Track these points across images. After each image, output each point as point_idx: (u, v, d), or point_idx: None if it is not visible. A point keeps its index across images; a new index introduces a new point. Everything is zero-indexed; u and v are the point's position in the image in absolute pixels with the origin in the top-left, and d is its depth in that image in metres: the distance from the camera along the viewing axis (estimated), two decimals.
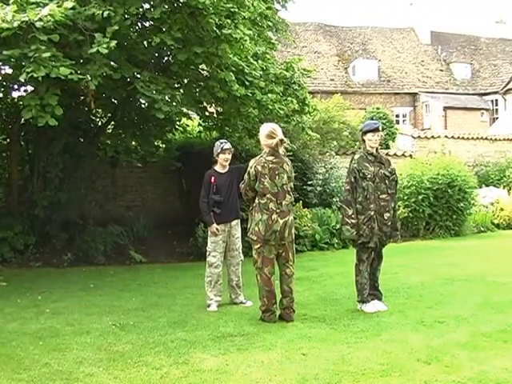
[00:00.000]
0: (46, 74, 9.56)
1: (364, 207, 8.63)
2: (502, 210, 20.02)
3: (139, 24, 12.37)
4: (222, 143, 9.54)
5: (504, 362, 6.22)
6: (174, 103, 12.38)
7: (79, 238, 14.43)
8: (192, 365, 6.41)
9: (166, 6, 11.09)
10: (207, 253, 9.47)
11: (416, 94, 49.76)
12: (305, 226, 15.42)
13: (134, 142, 15.96)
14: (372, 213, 8.61)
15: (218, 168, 9.61)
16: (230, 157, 9.60)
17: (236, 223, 9.68)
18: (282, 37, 17.54)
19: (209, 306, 9.21)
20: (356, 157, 9.04)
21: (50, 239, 14.47)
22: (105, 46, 10.04)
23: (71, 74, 9.79)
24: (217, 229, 9.32)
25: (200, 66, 13.03)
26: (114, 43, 10.06)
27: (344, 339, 7.20)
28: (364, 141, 9.08)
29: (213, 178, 9.47)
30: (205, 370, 6.23)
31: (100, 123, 16.13)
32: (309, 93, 16.14)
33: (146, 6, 11.60)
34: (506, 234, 18.63)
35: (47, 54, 9.61)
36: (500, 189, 21.59)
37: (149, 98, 11.62)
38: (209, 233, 9.51)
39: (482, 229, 19.06)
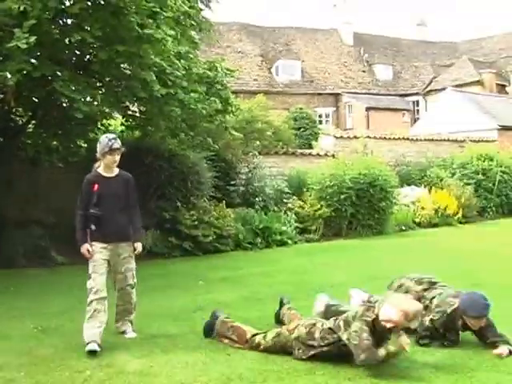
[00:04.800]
0: None
1: None
2: (422, 208, 20.37)
3: (60, 21, 12.19)
4: (110, 140, 7.49)
5: None
6: (96, 103, 12.27)
7: None
8: (116, 367, 6.37)
9: (89, 3, 11.00)
10: (87, 277, 7.33)
11: (339, 94, 50.40)
12: (228, 225, 15.42)
13: (55, 142, 15.71)
14: None
15: (102, 170, 7.62)
16: (118, 158, 7.61)
17: (125, 244, 7.60)
18: (206, 36, 17.52)
19: (87, 343, 6.97)
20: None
21: None
22: (24, 41, 9.83)
23: None
24: (88, 250, 7.29)
25: (122, 66, 12.90)
26: (33, 39, 9.85)
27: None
28: (459, 318, 7.11)
29: (96, 186, 7.46)
30: (129, 372, 6.21)
31: (21, 122, 15.81)
32: (232, 93, 16.16)
33: (67, 2, 11.45)
34: (427, 233, 18.99)
35: None
36: (421, 188, 21.96)
37: (68, 97, 11.47)
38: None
39: (404, 227, 19.35)
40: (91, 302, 7.17)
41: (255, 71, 49.03)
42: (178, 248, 14.77)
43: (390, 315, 6.11)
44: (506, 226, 20.55)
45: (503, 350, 6.72)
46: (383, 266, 12.74)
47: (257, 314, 8.65)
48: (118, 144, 7.52)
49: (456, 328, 7.11)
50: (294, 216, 17.37)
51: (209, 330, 7.40)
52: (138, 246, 7.62)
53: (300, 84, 49.78)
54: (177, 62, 12.90)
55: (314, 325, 6.59)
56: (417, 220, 20.12)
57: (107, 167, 7.57)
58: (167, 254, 14.59)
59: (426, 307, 7.19)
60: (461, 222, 20.81)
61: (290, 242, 16.40)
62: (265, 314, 8.54)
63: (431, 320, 7.07)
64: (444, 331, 7.08)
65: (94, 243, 7.32)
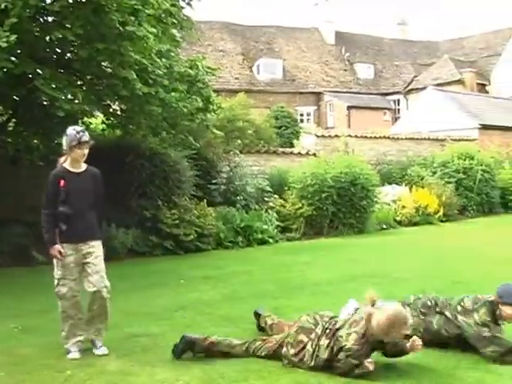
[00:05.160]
0: None
1: None
2: (403, 207, 20.46)
3: (41, 19, 12.15)
4: (78, 133, 6.94)
5: None
6: (77, 101, 12.24)
7: None
8: (96, 367, 6.35)
9: (70, 1, 10.97)
10: (55, 282, 6.88)
11: (320, 93, 50.46)
12: (209, 224, 15.42)
13: (35, 140, 15.64)
14: None
15: (69, 165, 7.04)
16: (87, 152, 7.04)
17: (96, 242, 7.05)
18: (187, 35, 17.48)
19: (68, 352, 6.80)
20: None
21: None
22: (4, 39, 9.82)
23: None
24: (60, 252, 6.74)
25: (103, 64, 12.87)
26: (14, 37, 9.87)
27: (251, 338, 7.21)
28: (497, 309, 6.67)
29: (62, 182, 6.89)
30: (110, 371, 6.18)
31: (1, 120, 15.74)
32: (213, 91, 16.17)
33: (48, 0, 11.42)
34: (408, 231, 19.06)
35: None
36: (402, 187, 22.05)
37: (49, 95, 11.44)
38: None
39: (385, 226, 19.41)
40: (67, 308, 6.87)
41: (236, 70, 49.02)
42: (159, 247, 14.75)
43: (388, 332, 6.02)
44: (486, 225, 20.68)
45: None
46: (365, 265, 12.78)
47: (239, 312, 8.65)
48: (86, 137, 6.96)
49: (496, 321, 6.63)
50: (275, 215, 17.40)
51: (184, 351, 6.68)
52: (103, 250, 7.15)
53: (281, 83, 49.80)
54: (158, 60, 12.91)
55: (304, 347, 6.28)
56: (398, 218, 20.21)
57: (75, 162, 7.00)
58: (148, 253, 14.56)
59: (464, 311, 6.75)
60: (442, 221, 20.93)
61: (271, 240, 16.43)
62: (247, 312, 8.52)
63: (480, 317, 6.56)
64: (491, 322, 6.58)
65: (63, 245, 6.79)
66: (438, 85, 43.06)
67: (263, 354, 6.54)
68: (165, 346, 7.03)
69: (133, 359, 6.58)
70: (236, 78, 48.06)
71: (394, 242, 16.69)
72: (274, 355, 6.48)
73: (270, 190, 18.67)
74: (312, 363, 6.17)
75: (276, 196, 18.47)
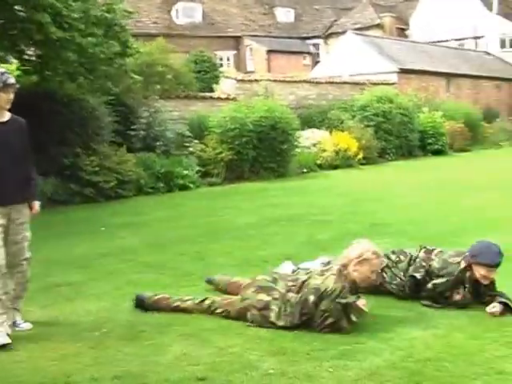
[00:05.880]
0: None
1: None
2: (324, 150, 20.65)
3: None
4: (3, 74, 5.89)
5: None
6: None
7: None
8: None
9: None
10: None
11: (239, 37, 50.16)
12: (129, 171, 15.29)
13: None
14: None
15: None
16: (13, 97, 6.04)
17: (22, 206, 5.99)
18: None
19: None
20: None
21: None
22: None
23: None
24: None
25: (16, 7, 12.51)
26: None
27: (174, 283, 7.27)
28: (470, 267, 6.31)
29: None
30: (33, 322, 6.08)
31: None
32: (131, 36, 15.93)
33: None
34: (328, 174, 19.30)
35: None
36: (322, 130, 22.22)
37: None
38: None
39: (306, 170, 19.58)
40: None
41: (154, 13, 48.24)
42: (79, 195, 14.58)
43: (367, 273, 5.81)
44: (404, 168, 21.13)
45: (496, 308, 6.16)
46: (286, 209, 12.91)
47: (161, 258, 8.66)
48: (12, 79, 5.96)
49: (465, 284, 6.32)
50: (195, 160, 17.36)
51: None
52: (36, 204, 6.15)
53: (200, 27, 49.28)
54: (73, 3, 12.62)
55: (267, 307, 5.86)
56: (318, 162, 20.41)
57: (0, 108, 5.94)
58: (68, 201, 14.37)
59: (426, 272, 6.51)
60: (362, 164, 21.27)
61: (192, 186, 16.41)
62: (169, 257, 8.57)
63: (434, 285, 6.39)
64: (451, 293, 6.35)
65: None
66: (358, 29, 43.26)
67: (221, 311, 6.16)
68: (88, 294, 7.01)
69: (57, 309, 6.52)
70: (154, 23, 47.32)
71: (314, 186, 16.86)
72: (234, 316, 6.06)
73: (190, 134, 18.59)
74: (281, 322, 5.79)
75: (196, 141, 18.40)
